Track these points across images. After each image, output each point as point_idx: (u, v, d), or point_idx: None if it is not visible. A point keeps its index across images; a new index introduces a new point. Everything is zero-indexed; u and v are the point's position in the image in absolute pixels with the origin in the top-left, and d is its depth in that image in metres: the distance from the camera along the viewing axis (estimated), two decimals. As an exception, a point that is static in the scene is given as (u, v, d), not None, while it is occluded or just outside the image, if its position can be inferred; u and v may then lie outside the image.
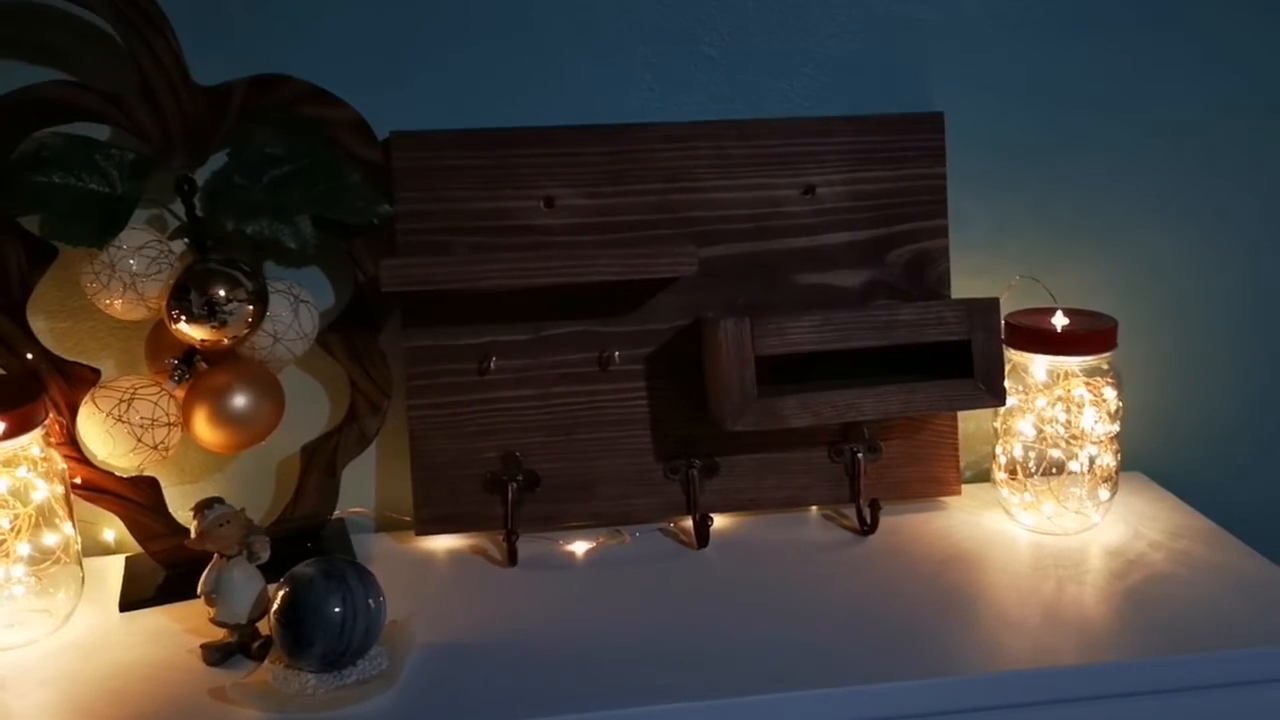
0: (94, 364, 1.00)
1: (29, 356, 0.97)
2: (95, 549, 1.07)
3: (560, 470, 1.05)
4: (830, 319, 0.97)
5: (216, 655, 0.86)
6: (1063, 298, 1.08)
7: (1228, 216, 1.17)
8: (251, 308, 0.93)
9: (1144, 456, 1.19)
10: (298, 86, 0.97)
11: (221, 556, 0.86)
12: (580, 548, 1.04)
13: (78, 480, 0.98)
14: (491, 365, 1.04)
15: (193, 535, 0.86)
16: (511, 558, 1.01)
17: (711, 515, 1.04)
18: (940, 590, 0.94)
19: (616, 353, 1.05)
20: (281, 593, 0.80)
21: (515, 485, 1.04)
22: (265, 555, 0.87)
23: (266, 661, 0.83)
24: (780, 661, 0.84)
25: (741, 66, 1.07)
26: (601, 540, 1.05)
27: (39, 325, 1.02)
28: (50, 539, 0.91)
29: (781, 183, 1.06)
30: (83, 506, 1.00)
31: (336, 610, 0.79)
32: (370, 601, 0.81)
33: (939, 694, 0.81)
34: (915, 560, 0.99)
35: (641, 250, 1.01)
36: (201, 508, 0.86)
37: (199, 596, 0.87)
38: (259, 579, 0.87)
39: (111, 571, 1.02)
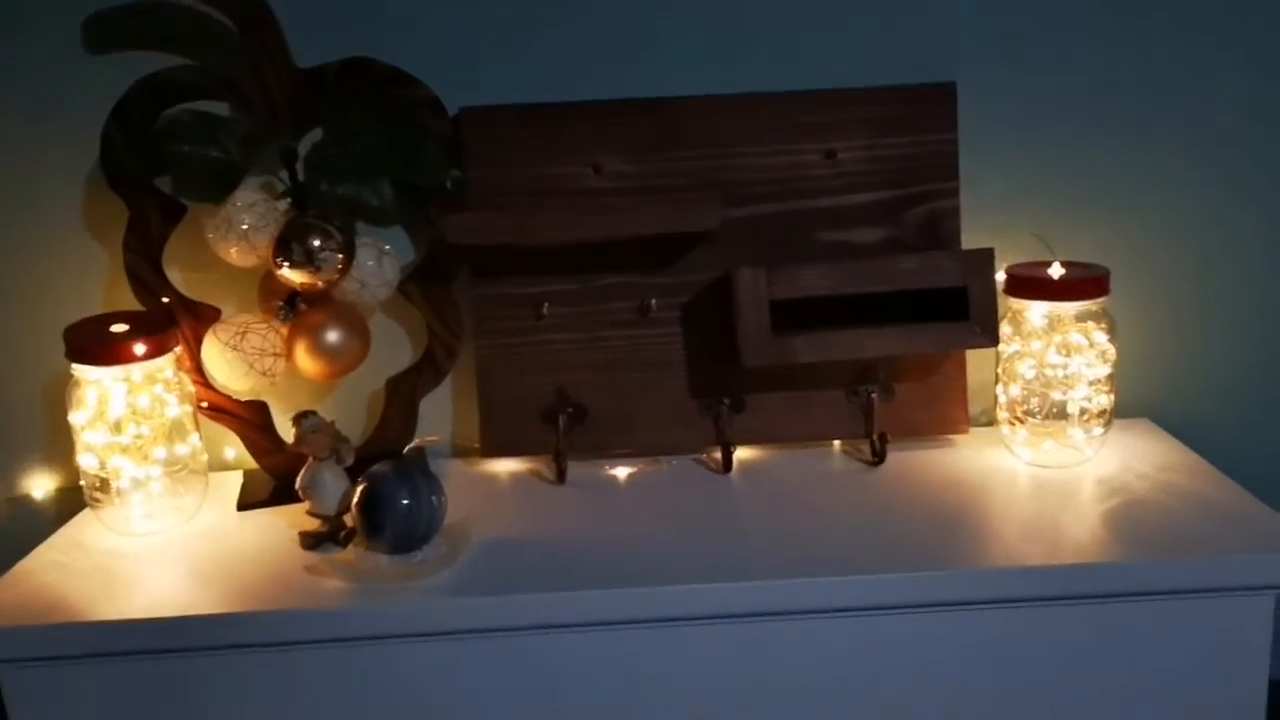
0: (225, 307, 1.19)
1: (164, 300, 1.15)
2: (220, 465, 1.26)
3: (605, 405, 1.20)
4: (837, 267, 1.09)
5: (311, 541, 1.03)
6: (1078, 256, 1.17)
7: (1252, 169, 1.22)
8: (341, 256, 1.10)
9: (1154, 405, 1.27)
10: (380, 68, 1.13)
11: (315, 459, 1.03)
12: (622, 472, 1.19)
13: (205, 404, 1.17)
14: (545, 311, 1.19)
15: (291, 441, 1.03)
16: (560, 477, 1.16)
17: (734, 445, 1.17)
18: (933, 507, 1.05)
19: (654, 301, 1.18)
20: (361, 486, 0.97)
21: (566, 417, 1.18)
22: (350, 460, 1.04)
23: (350, 547, 1.00)
24: (781, 556, 0.97)
25: (773, 43, 1.19)
26: (642, 467, 1.19)
27: (178, 274, 1.21)
28: (181, 449, 1.10)
29: (806, 149, 1.18)
30: (210, 427, 1.19)
31: (405, 502, 0.95)
32: (433, 498, 0.97)
33: (912, 587, 0.93)
34: (917, 485, 1.11)
35: (670, 209, 1.14)
36: (299, 418, 1.04)
37: (298, 492, 1.04)
38: (345, 479, 1.03)
39: (232, 483, 1.21)
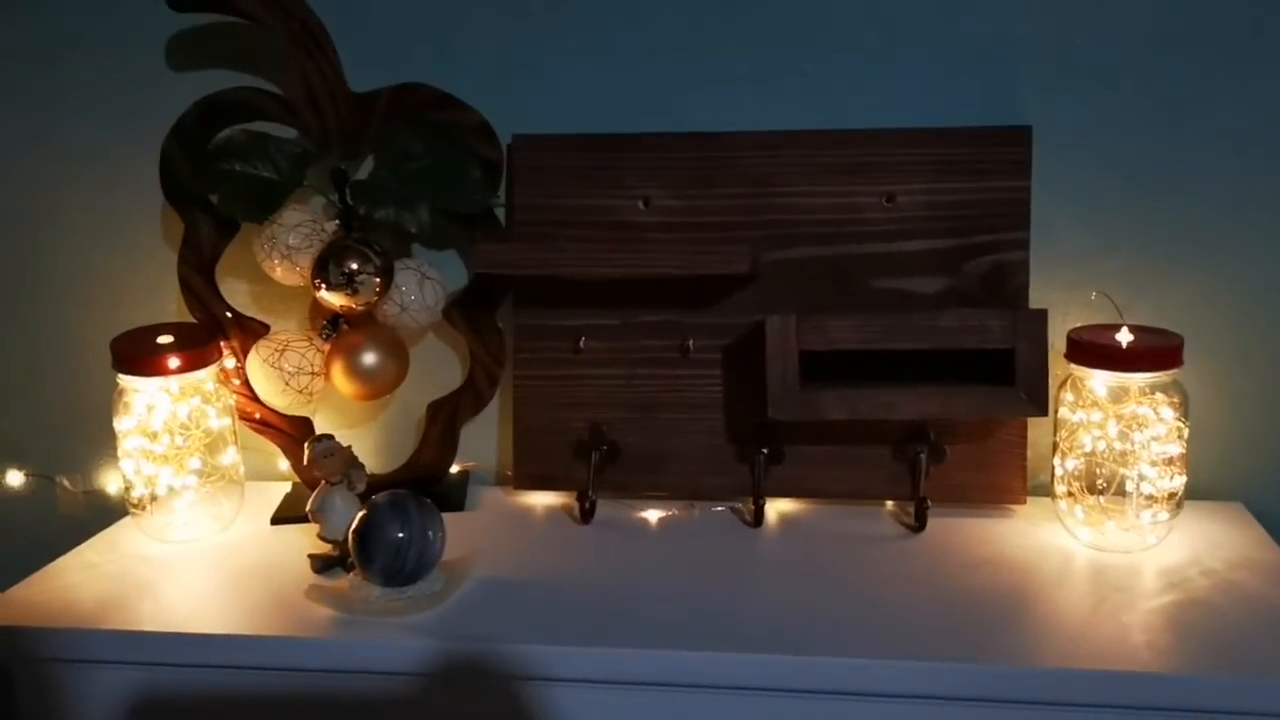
0: (283, 322, 1.22)
1: (229, 315, 1.19)
2: (274, 474, 1.29)
3: (639, 444, 1.16)
4: (872, 320, 1.02)
5: (319, 564, 1.04)
6: (1161, 319, 1.07)
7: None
8: (379, 280, 1.10)
9: (1251, 489, 1.14)
10: (432, 93, 1.13)
11: (327, 483, 1.04)
12: (651, 516, 1.15)
13: (256, 415, 1.20)
14: (583, 345, 1.16)
15: (304, 462, 1.05)
16: (584, 517, 1.13)
17: (769, 497, 1.12)
18: (962, 586, 0.97)
19: (692, 341, 1.14)
20: (359, 515, 0.96)
21: (599, 454, 1.16)
22: (361, 486, 1.04)
23: (350, 575, 1.00)
24: (787, 628, 0.91)
25: (833, 78, 1.13)
26: (672, 512, 1.15)
27: (242, 287, 1.25)
28: (222, 459, 1.13)
29: (864, 190, 1.12)
30: (261, 439, 1.22)
31: (399, 535, 0.94)
32: (429, 533, 0.96)
33: (907, 677, 0.86)
34: (954, 559, 1.02)
35: (696, 249, 1.10)
36: (314, 441, 1.05)
37: (307, 514, 1.05)
38: (356, 505, 1.03)
39: (278, 493, 1.23)
